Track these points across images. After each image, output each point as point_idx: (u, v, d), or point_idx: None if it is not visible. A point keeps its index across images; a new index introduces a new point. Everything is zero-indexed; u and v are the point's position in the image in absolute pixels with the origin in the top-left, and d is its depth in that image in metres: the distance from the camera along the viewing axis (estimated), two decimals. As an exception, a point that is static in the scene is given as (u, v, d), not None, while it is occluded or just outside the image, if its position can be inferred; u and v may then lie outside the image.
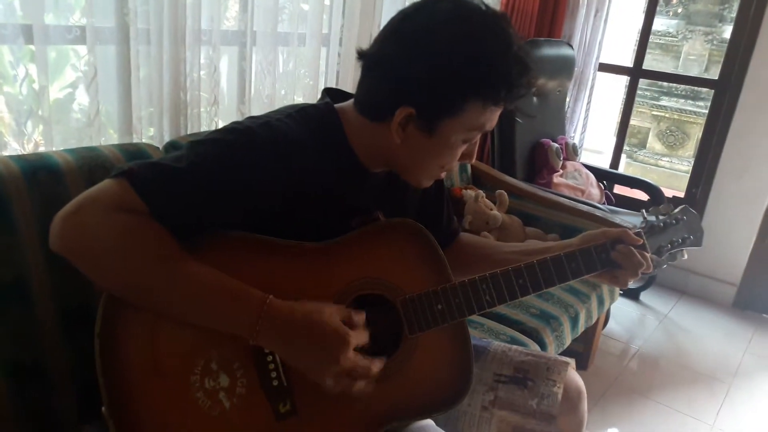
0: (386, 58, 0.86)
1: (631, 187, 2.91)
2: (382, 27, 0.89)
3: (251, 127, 0.84)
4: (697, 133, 4.84)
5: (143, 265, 0.78)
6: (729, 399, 2.18)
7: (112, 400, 0.80)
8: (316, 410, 0.87)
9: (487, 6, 0.85)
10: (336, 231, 0.91)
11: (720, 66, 2.83)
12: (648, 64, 3.15)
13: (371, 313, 0.94)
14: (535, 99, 2.60)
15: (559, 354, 1.56)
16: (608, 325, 2.51)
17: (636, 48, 3.07)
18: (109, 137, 1.47)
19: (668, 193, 2.94)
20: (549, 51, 2.60)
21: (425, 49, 0.82)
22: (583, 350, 2.19)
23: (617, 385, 2.18)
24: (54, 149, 1.17)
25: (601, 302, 1.91)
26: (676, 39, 5.22)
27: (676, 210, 1.05)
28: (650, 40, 3.04)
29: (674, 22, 5.25)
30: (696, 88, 4.98)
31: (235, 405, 0.83)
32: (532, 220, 2.14)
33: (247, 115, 1.69)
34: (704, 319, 2.77)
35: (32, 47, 1.23)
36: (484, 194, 2.08)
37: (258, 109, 1.73)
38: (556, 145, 2.63)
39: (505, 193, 2.11)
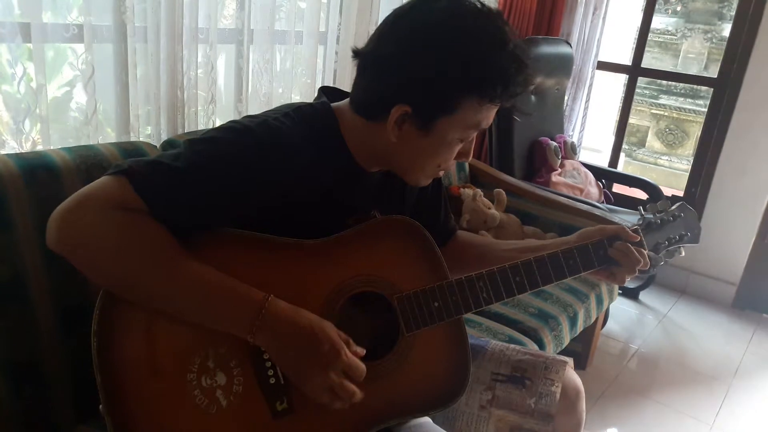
0: (382, 56, 0.86)
1: (630, 186, 2.91)
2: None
3: (249, 126, 0.84)
4: (696, 131, 4.83)
5: (142, 263, 0.78)
6: (728, 399, 2.17)
7: (109, 398, 0.80)
8: (312, 408, 0.86)
9: (482, 4, 0.85)
10: (332, 229, 0.91)
11: (719, 64, 2.83)
12: (647, 62, 3.14)
13: (368, 311, 0.94)
14: (533, 97, 2.59)
15: (558, 353, 1.56)
16: (607, 325, 2.50)
17: (635, 46, 3.06)
18: (106, 136, 1.47)
19: (667, 192, 2.94)
20: (547, 49, 2.60)
21: (420, 48, 0.82)
22: (581, 350, 2.19)
23: (616, 385, 2.18)
24: (52, 148, 1.17)
25: (600, 302, 1.91)
26: (675, 37, 5.21)
27: (674, 207, 1.05)
28: (649, 38, 3.04)
29: (673, 20, 5.25)
30: (695, 86, 4.98)
31: (232, 403, 0.83)
32: (530, 219, 2.14)
33: (244, 114, 1.70)
34: (704, 318, 2.77)
35: (30, 46, 1.23)
36: (482, 193, 2.08)
37: (255, 108, 1.73)
38: (555, 143, 2.63)
39: (503, 192, 2.11)
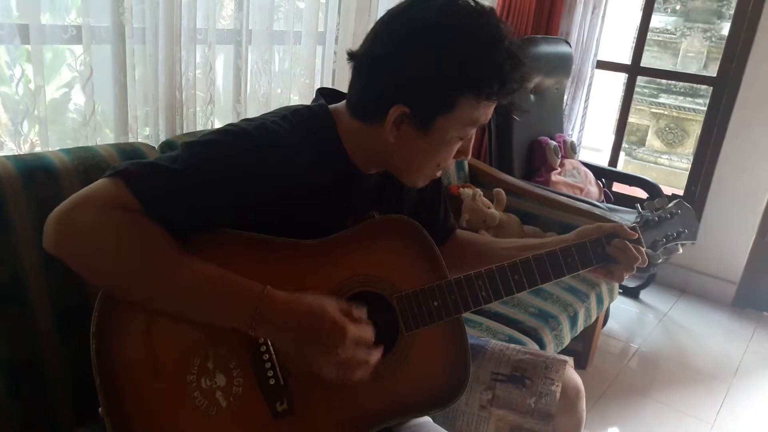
0: (377, 58, 0.86)
1: (630, 185, 2.91)
2: (374, 26, 0.89)
3: (246, 128, 0.84)
4: (696, 130, 4.83)
5: (141, 262, 0.77)
6: (729, 398, 2.17)
7: (108, 400, 0.80)
8: (312, 409, 0.86)
9: (476, 2, 0.85)
10: (330, 231, 0.91)
11: (718, 63, 2.83)
12: (646, 61, 3.15)
13: (367, 311, 0.94)
14: (532, 97, 2.59)
15: (559, 353, 1.56)
16: (608, 324, 2.50)
17: (634, 45, 3.06)
18: (104, 137, 1.47)
19: (667, 190, 2.94)
20: (546, 48, 2.59)
21: (416, 47, 0.82)
22: (582, 349, 2.19)
23: (617, 384, 2.18)
24: (50, 149, 1.17)
25: (600, 301, 1.91)
26: (674, 36, 5.21)
27: (671, 204, 1.05)
28: (648, 37, 3.04)
29: (672, 19, 5.25)
30: (695, 85, 4.98)
31: (232, 404, 0.83)
32: (530, 218, 2.14)
33: (242, 114, 1.70)
34: (704, 317, 2.77)
35: (28, 47, 1.23)
36: (481, 192, 2.07)
37: (254, 108, 1.73)
38: (554, 143, 2.63)
39: (503, 192, 2.11)
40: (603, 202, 2.69)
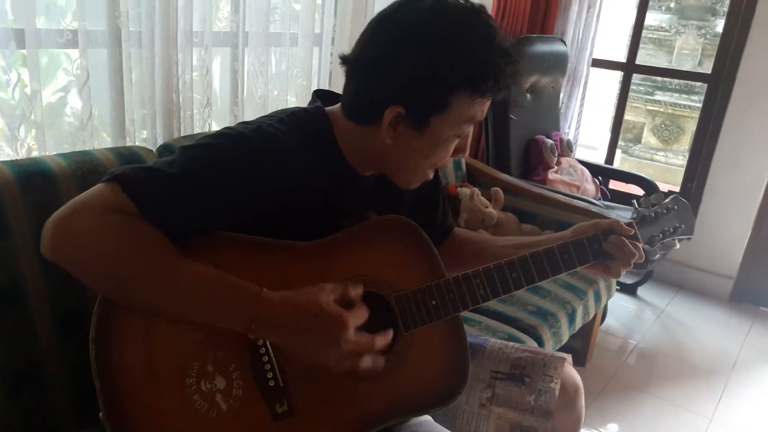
0: (370, 60, 0.86)
1: (627, 183, 2.92)
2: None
3: (243, 132, 0.84)
4: (691, 127, 4.85)
5: (139, 265, 0.77)
6: (727, 392, 2.18)
7: (108, 404, 0.80)
8: (312, 410, 0.87)
9: (465, 0, 0.85)
10: (328, 233, 0.91)
11: (713, 60, 2.84)
12: (641, 59, 3.15)
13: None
14: (528, 96, 2.60)
15: (557, 350, 1.57)
16: (606, 321, 2.51)
17: (629, 43, 3.07)
18: (102, 141, 1.47)
19: (664, 187, 2.95)
20: (542, 47, 2.60)
21: (408, 48, 0.82)
22: (580, 346, 2.20)
23: (616, 381, 2.19)
24: (47, 154, 1.17)
25: (598, 298, 1.91)
26: (669, 33, 5.22)
27: (667, 200, 1.05)
28: (643, 35, 3.05)
29: (667, 16, 5.26)
30: (690, 82, 4.99)
31: (232, 406, 0.83)
32: (527, 217, 2.14)
33: (240, 116, 1.70)
34: (701, 313, 2.78)
35: (24, 51, 1.23)
36: (479, 192, 2.08)
37: (251, 110, 1.73)
38: (551, 141, 2.63)
39: (501, 191, 2.11)
40: (600, 199, 2.70)
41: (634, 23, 3.00)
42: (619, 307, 2.74)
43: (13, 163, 1.03)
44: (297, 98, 1.88)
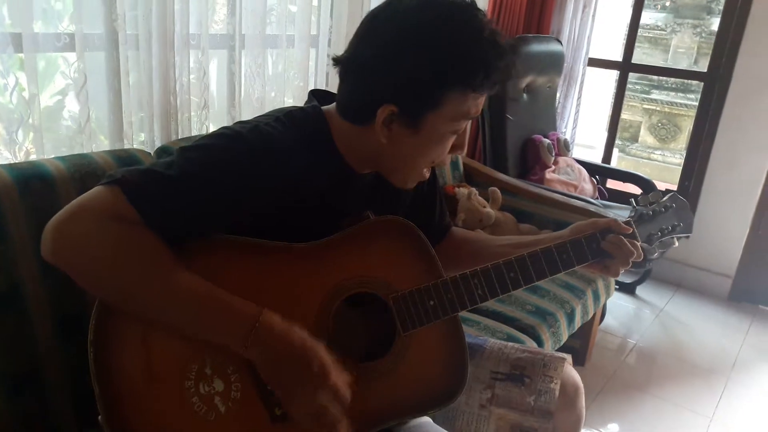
0: (361, 59, 0.86)
1: (624, 182, 2.92)
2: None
3: (240, 132, 0.84)
4: (688, 125, 4.85)
5: (137, 275, 0.77)
6: (727, 391, 2.19)
7: (107, 407, 0.80)
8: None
9: None
10: (326, 233, 0.91)
11: (708, 58, 2.85)
12: (637, 57, 3.16)
13: (364, 312, 0.94)
14: (525, 95, 2.60)
15: (557, 350, 1.57)
16: (605, 320, 2.51)
17: (625, 42, 3.08)
18: (99, 144, 1.46)
19: (661, 186, 2.95)
20: (538, 47, 2.61)
21: (398, 45, 0.83)
22: (580, 346, 2.20)
23: (615, 380, 2.19)
24: (45, 157, 1.16)
25: (596, 297, 1.92)
26: (664, 32, 5.24)
27: (665, 198, 1.05)
28: (639, 33, 3.05)
29: (662, 15, 5.27)
30: (686, 80, 5.01)
31: (230, 409, 0.83)
32: (525, 216, 2.15)
33: (237, 119, 1.70)
34: (700, 312, 2.78)
35: (21, 55, 1.23)
36: (476, 192, 2.08)
37: (248, 112, 1.73)
38: (548, 141, 2.64)
39: (498, 191, 2.12)
40: (597, 198, 2.70)
41: (629, 22, 3.01)
42: (618, 307, 2.74)
43: (11, 167, 1.03)
44: (294, 100, 1.89)
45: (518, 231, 2.07)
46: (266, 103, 1.77)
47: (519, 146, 2.60)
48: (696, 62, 5.01)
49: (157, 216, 0.78)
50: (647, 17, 5.09)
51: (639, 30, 3.03)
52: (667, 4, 5.28)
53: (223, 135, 0.85)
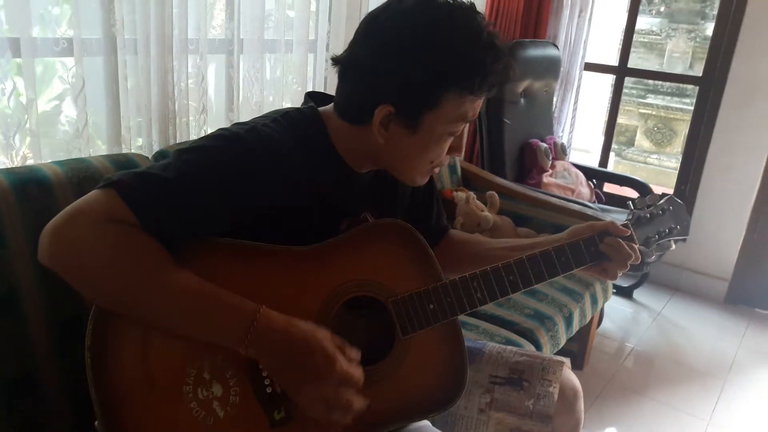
0: (358, 60, 0.87)
1: (621, 185, 2.93)
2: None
3: (238, 133, 0.84)
4: (684, 129, 4.87)
5: (134, 278, 0.77)
6: (725, 394, 2.19)
7: (104, 413, 0.79)
8: (310, 416, 0.86)
9: None
10: (325, 234, 0.91)
11: (703, 63, 2.87)
12: (633, 62, 3.18)
13: (363, 316, 0.94)
14: (522, 100, 2.61)
15: (555, 354, 1.57)
16: (602, 324, 2.52)
17: (621, 47, 3.09)
18: (97, 148, 1.46)
19: (657, 190, 2.96)
20: (534, 52, 2.62)
21: (395, 46, 0.83)
22: (578, 350, 2.20)
23: (613, 384, 2.19)
24: (42, 162, 1.16)
25: (594, 301, 1.92)
26: (659, 37, 5.26)
27: (662, 201, 1.05)
28: (634, 38, 3.07)
29: (657, 20, 5.30)
30: (681, 85, 5.03)
31: (229, 414, 0.83)
32: (523, 220, 2.15)
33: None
34: (697, 315, 2.79)
35: (19, 60, 1.23)
36: (474, 196, 2.08)
37: (246, 117, 1.72)
38: (545, 145, 2.65)
39: (496, 195, 2.12)
40: (594, 202, 2.71)
41: (625, 27, 3.02)
42: (616, 310, 2.74)
43: (8, 171, 1.02)
44: (292, 104, 1.88)
45: (516, 235, 2.08)
46: (264, 107, 1.77)
47: (516, 150, 2.61)
48: (691, 67, 5.04)
49: (154, 218, 0.78)
50: (642, 22, 5.11)
51: (634, 35, 3.05)
52: (662, 9, 5.31)
53: (221, 136, 0.84)
